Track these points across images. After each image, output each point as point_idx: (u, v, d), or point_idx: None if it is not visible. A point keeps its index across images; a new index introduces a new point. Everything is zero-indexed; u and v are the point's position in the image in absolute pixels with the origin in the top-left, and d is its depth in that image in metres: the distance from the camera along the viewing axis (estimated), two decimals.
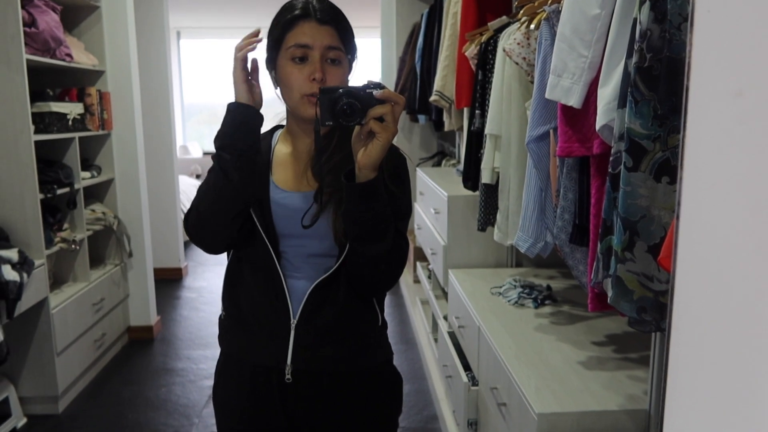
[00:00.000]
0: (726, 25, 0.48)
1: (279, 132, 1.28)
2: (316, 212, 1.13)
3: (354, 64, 1.18)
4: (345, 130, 1.13)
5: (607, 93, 1.08)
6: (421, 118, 3.86)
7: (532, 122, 1.55)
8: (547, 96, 1.29)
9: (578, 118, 1.26)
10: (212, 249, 1.22)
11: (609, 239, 1.05)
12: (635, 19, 0.96)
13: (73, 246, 2.97)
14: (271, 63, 1.16)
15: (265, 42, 1.15)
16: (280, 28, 1.12)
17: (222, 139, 1.10)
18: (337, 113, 1.01)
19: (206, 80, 8.97)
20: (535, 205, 1.64)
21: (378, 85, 1.02)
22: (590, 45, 1.16)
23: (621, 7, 1.08)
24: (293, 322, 1.17)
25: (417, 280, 3.96)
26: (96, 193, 3.48)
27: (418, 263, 3.80)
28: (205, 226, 1.16)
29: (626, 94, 0.97)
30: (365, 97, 1.00)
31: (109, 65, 3.36)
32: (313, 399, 1.20)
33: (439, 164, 4.12)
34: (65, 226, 3.01)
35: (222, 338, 1.29)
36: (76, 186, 3.00)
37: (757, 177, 0.49)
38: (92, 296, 3.13)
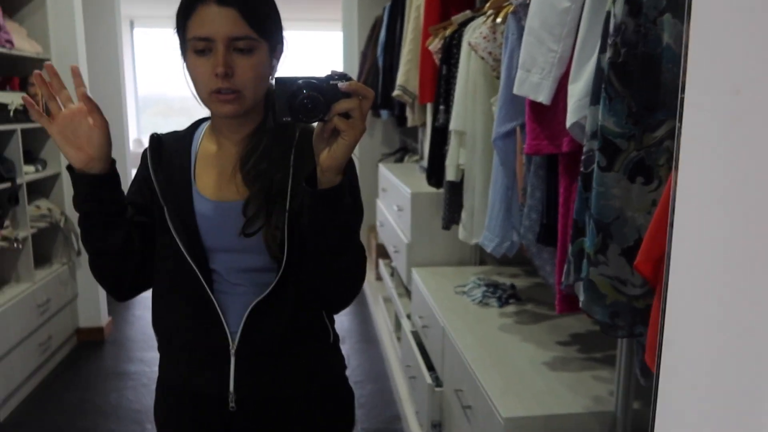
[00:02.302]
0: (723, 20, 0.44)
1: (204, 127, 1.12)
2: (244, 225, 1.00)
3: (281, 49, 1.04)
4: (280, 129, 1.02)
5: (578, 89, 1.04)
6: (384, 113, 3.80)
7: (498, 119, 1.51)
8: (515, 91, 1.24)
9: (547, 114, 1.22)
10: (115, 293, 1.10)
11: (581, 241, 1.01)
12: (608, 13, 0.92)
13: (15, 245, 2.81)
14: (182, 54, 1.01)
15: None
16: (180, 16, 0.98)
17: (78, 207, 0.99)
18: (296, 108, 0.86)
19: (162, 71, 8.72)
20: (501, 203, 1.60)
21: (343, 76, 0.87)
22: (560, 39, 1.12)
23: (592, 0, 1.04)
24: (232, 347, 1.04)
25: (379, 278, 3.90)
26: (41, 189, 3.30)
27: (380, 260, 3.75)
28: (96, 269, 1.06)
29: (599, 90, 0.93)
30: (329, 89, 0.86)
31: (54, 53, 3.19)
32: (261, 426, 1.09)
33: (401, 160, 4.07)
34: (6, 223, 2.84)
35: (160, 364, 1.16)
36: (18, 181, 2.83)
37: (754, 176, 0.45)
38: (37, 297, 2.97)
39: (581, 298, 1.00)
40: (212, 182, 1.06)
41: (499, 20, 1.54)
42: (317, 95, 0.86)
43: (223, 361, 1.05)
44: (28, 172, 2.98)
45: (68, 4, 3.19)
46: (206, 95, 0.97)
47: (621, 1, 0.88)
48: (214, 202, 1.04)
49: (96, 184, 0.97)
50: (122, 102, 4.46)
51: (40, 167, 3.13)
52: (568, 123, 1.05)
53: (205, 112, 1.09)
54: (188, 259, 1.02)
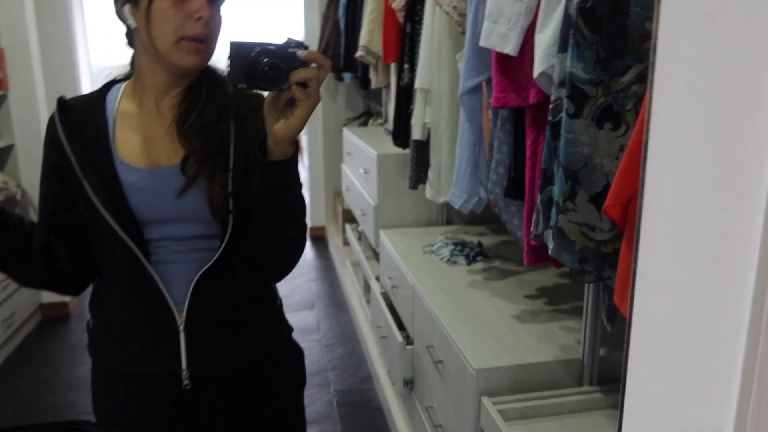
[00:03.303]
0: None
1: (119, 89, 1.03)
2: (184, 185, 0.95)
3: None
4: (217, 89, 0.98)
5: (545, 38, 1.04)
6: (347, 76, 3.75)
7: (464, 73, 1.50)
8: (481, 44, 1.23)
9: (514, 67, 1.22)
10: (67, 294, 1.06)
11: (549, 190, 1.02)
12: None
13: None
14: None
15: None
16: None
17: None
18: (257, 75, 0.83)
19: (117, 41, 8.38)
20: (468, 159, 1.61)
21: (300, 45, 0.86)
22: None
23: None
24: (180, 322, 0.99)
25: (346, 243, 3.91)
26: None
27: (347, 225, 3.75)
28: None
29: (566, 38, 0.93)
30: (288, 58, 0.84)
31: (2, 23, 3.03)
32: (217, 399, 1.06)
33: (365, 124, 4.04)
34: None
35: (93, 349, 1.08)
36: None
37: (729, 108, 0.46)
38: None
39: (550, 245, 1.02)
40: (138, 148, 0.98)
41: None
42: (279, 63, 0.83)
43: (172, 337, 0.99)
44: None
45: None
46: (172, 42, 0.91)
47: None
48: (143, 170, 0.97)
49: None
50: (76, 69, 4.29)
51: None
52: (536, 73, 1.05)
53: None
54: (120, 233, 0.95)
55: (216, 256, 0.97)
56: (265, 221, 0.94)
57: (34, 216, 3.27)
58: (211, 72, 1.01)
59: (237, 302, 1.02)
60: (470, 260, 2.13)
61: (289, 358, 1.16)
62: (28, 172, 3.24)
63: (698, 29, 0.45)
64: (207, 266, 0.97)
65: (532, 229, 1.13)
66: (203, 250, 0.99)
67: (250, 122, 0.98)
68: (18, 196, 3.15)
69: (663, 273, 0.53)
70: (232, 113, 0.99)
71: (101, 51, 8.20)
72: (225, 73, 1.00)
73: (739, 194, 0.45)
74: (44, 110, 3.28)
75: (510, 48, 1.15)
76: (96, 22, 7.93)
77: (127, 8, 0.93)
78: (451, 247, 2.21)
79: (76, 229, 1.01)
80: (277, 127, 0.86)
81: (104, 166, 0.96)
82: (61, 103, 1.00)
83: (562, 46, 0.95)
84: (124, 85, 1.03)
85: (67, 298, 3.46)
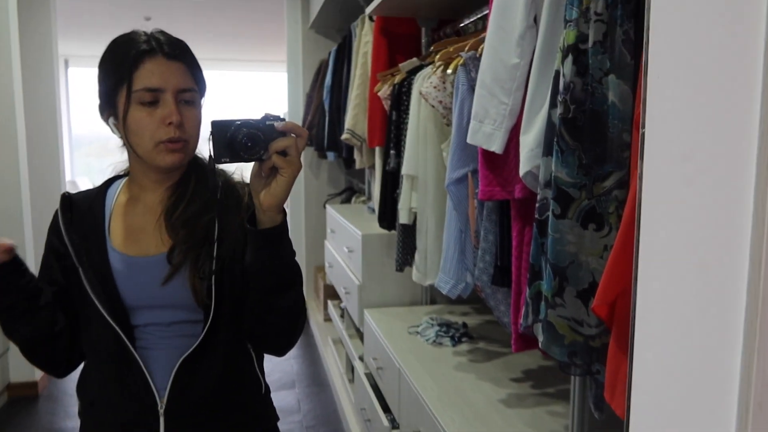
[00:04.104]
0: (674, 92, 0.50)
1: (118, 185, 1.11)
2: (169, 274, 1.00)
3: (203, 102, 1.06)
4: (203, 182, 1.05)
5: (529, 140, 1.11)
6: (331, 155, 3.84)
7: (450, 165, 1.57)
8: (468, 141, 1.30)
9: (499, 162, 1.29)
10: (52, 372, 1.10)
11: (538, 284, 1.06)
12: (557, 72, 1.00)
13: None
14: (110, 108, 1.01)
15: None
16: (122, 68, 0.97)
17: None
18: (237, 147, 0.89)
19: (96, 110, 8.52)
20: (455, 246, 1.66)
21: (277, 118, 0.92)
22: (510, 93, 1.19)
23: (539, 57, 1.12)
24: (161, 406, 1.01)
25: (328, 319, 3.88)
26: None
27: (329, 301, 3.73)
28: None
29: (551, 142, 1.00)
30: (266, 129, 0.90)
31: None
32: None
33: (348, 200, 4.11)
34: None
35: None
36: None
37: (703, 233, 0.50)
38: None
39: (540, 338, 1.05)
40: (131, 238, 1.05)
41: (449, 71, 1.62)
42: (256, 132, 0.90)
43: (152, 421, 1.01)
44: None
45: (5, 47, 3.11)
46: (152, 146, 0.98)
47: (569, 62, 0.95)
48: (133, 258, 1.03)
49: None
50: (59, 143, 4.32)
51: None
52: (521, 172, 1.12)
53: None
54: (108, 319, 1.00)
55: (197, 342, 1.01)
56: (261, 290, 0.98)
57: None
58: (200, 163, 1.09)
59: (218, 388, 1.04)
60: (456, 341, 2.14)
61: None
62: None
63: (677, 166, 0.50)
64: (189, 352, 1.01)
65: (521, 321, 1.16)
66: (188, 335, 1.02)
67: (234, 211, 1.04)
68: None
69: (658, 385, 0.57)
70: (216, 204, 1.04)
71: (81, 119, 8.29)
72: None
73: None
74: (25, 183, 3.30)
75: (496, 146, 1.22)
76: (78, 91, 8.07)
77: (111, 120, 1.03)
78: (437, 328, 2.22)
79: (66, 310, 1.06)
80: (263, 196, 0.92)
81: (98, 254, 1.03)
82: (65, 199, 1.08)
83: (547, 149, 1.01)
84: (124, 180, 1.11)
85: (36, 377, 3.34)
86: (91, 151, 8.98)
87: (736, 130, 0.48)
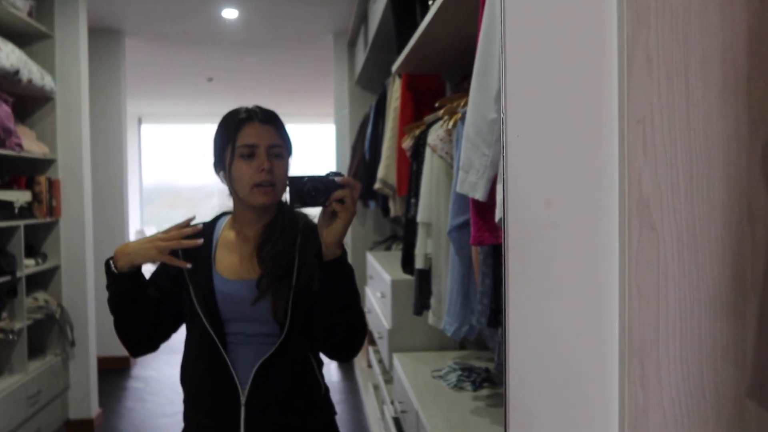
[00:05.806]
0: (533, 146, 0.57)
1: (224, 219, 1.41)
2: (257, 297, 1.27)
3: (290, 158, 1.35)
4: (288, 224, 1.31)
5: (502, 188, 1.18)
6: (371, 203, 3.97)
7: (452, 212, 1.64)
8: (457, 190, 1.38)
9: (487, 210, 1.36)
10: (132, 350, 1.37)
11: None
12: None
13: (10, 336, 2.89)
14: (221, 163, 1.31)
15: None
16: (229, 131, 1.29)
17: (119, 297, 1.31)
18: (304, 196, 1.16)
19: (168, 163, 9.11)
20: (459, 290, 1.71)
21: (338, 174, 1.17)
22: (491, 145, 1.27)
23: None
24: (243, 398, 1.28)
25: (370, 365, 3.93)
26: (40, 281, 3.42)
27: (370, 348, 3.79)
28: (121, 330, 1.35)
29: None
30: (328, 182, 1.16)
31: (60, 153, 3.41)
32: None
33: (390, 248, 4.20)
34: (3, 315, 2.94)
35: (184, 414, 1.39)
36: (18, 274, 2.96)
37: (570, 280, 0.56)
38: (28, 389, 3.02)
39: None
40: (231, 264, 1.33)
41: (450, 125, 1.71)
42: (320, 186, 1.15)
43: (235, 410, 1.28)
44: (28, 266, 3.11)
45: (77, 109, 3.45)
46: (248, 189, 1.27)
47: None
48: (231, 281, 1.31)
49: (133, 289, 1.30)
50: (124, 195, 4.67)
51: (40, 260, 3.27)
52: (497, 218, 1.18)
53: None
54: (208, 327, 1.28)
55: (272, 349, 1.28)
56: (328, 309, 1.22)
57: (70, 334, 3.45)
58: (287, 212, 1.37)
59: (288, 385, 1.30)
60: (476, 386, 2.15)
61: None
62: (70, 291, 3.47)
63: (541, 211, 0.57)
64: (266, 356, 1.28)
65: (495, 360, 1.20)
66: (266, 344, 1.29)
67: (311, 248, 1.27)
68: (57, 315, 3.35)
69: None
70: (298, 244, 1.32)
71: (155, 172, 8.85)
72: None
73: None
74: (90, 234, 3.57)
75: (479, 194, 1.30)
76: (152, 146, 8.66)
77: (221, 173, 1.34)
78: (459, 372, 2.25)
79: (159, 307, 1.36)
80: (326, 235, 1.17)
81: (205, 276, 1.32)
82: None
83: None
84: (228, 216, 1.41)
85: (93, 414, 3.54)
86: (163, 202, 9.52)
87: (594, 179, 0.55)
